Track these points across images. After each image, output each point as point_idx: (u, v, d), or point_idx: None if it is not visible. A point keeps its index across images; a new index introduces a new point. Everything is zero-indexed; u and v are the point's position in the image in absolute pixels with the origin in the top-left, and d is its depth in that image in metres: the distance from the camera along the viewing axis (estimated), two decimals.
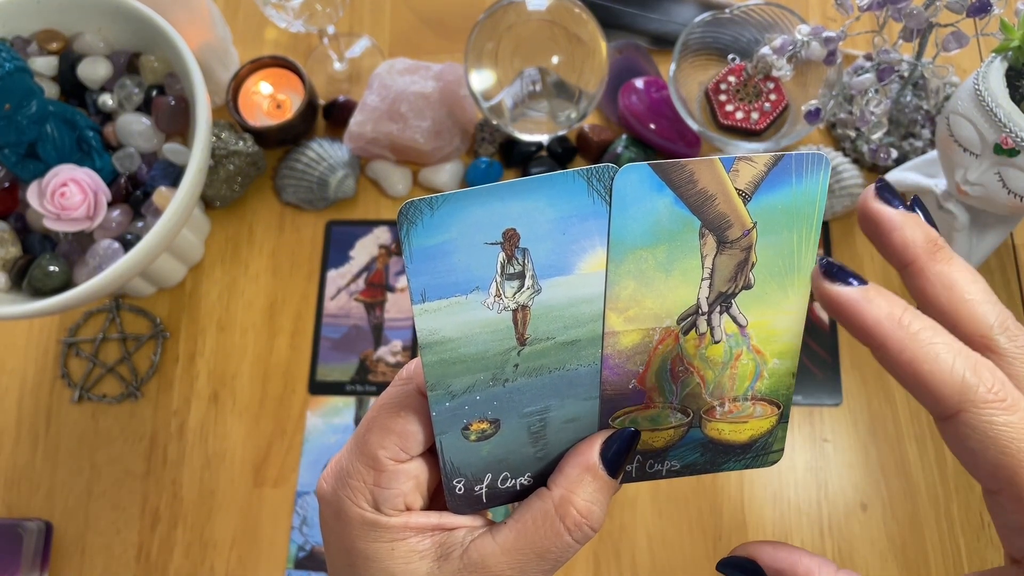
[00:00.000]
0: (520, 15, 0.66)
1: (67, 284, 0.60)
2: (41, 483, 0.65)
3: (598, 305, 0.34)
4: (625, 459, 0.33)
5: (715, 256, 0.35)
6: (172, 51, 0.62)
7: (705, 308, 0.36)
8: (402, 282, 0.69)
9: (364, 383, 0.66)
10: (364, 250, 0.70)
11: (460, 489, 0.33)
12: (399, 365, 0.66)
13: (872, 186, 0.29)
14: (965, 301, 0.28)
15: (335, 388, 0.66)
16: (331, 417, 0.65)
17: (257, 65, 0.73)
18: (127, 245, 0.60)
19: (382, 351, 0.67)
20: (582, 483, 0.31)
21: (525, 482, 0.35)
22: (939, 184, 0.62)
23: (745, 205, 0.34)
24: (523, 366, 0.34)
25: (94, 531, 0.63)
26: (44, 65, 0.64)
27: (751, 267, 0.35)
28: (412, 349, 0.66)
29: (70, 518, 0.64)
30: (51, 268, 0.59)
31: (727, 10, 0.68)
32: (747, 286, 0.36)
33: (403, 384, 0.31)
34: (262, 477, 0.64)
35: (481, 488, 0.34)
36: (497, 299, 0.33)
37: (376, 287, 0.69)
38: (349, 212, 0.72)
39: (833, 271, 0.28)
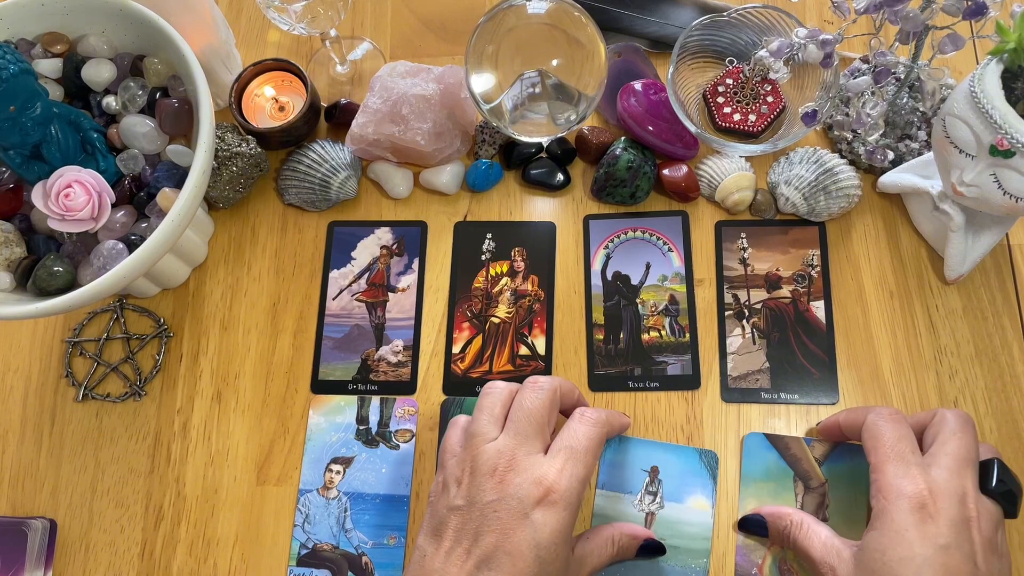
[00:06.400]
0: (520, 18, 0.67)
1: (71, 284, 0.61)
2: (45, 481, 0.65)
3: (695, 529, 0.58)
4: None
5: (803, 495, 0.59)
6: (175, 53, 0.63)
7: None
8: (403, 282, 0.69)
9: (366, 382, 0.66)
10: (366, 251, 0.70)
11: None
12: (400, 364, 0.66)
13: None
14: None
15: (337, 387, 0.66)
16: (333, 416, 0.65)
17: (260, 68, 0.73)
18: (131, 246, 0.60)
19: (383, 351, 0.67)
20: None
21: None
22: (935, 185, 0.63)
23: (820, 467, 0.60)
24: None
25: (98, 529, 0.64)
26: (48, 67, 0.65)
27: (826, 507, 0.59)
28: (413, 349, 0.67)
29: (74, 516, 0.64)
30: (55, 268, 0.60)
31: (725, 13, 0.69)
32: (824, 518, 0.58)
33: None
34: (265, 475, 0.64)
35: None
36: (639, 502, 0.60)
37: (378, 287, 0.69)
38: (351, 213, 0.72)
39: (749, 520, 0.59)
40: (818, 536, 0.53)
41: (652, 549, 0.56)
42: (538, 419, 0.52)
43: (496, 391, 0.55)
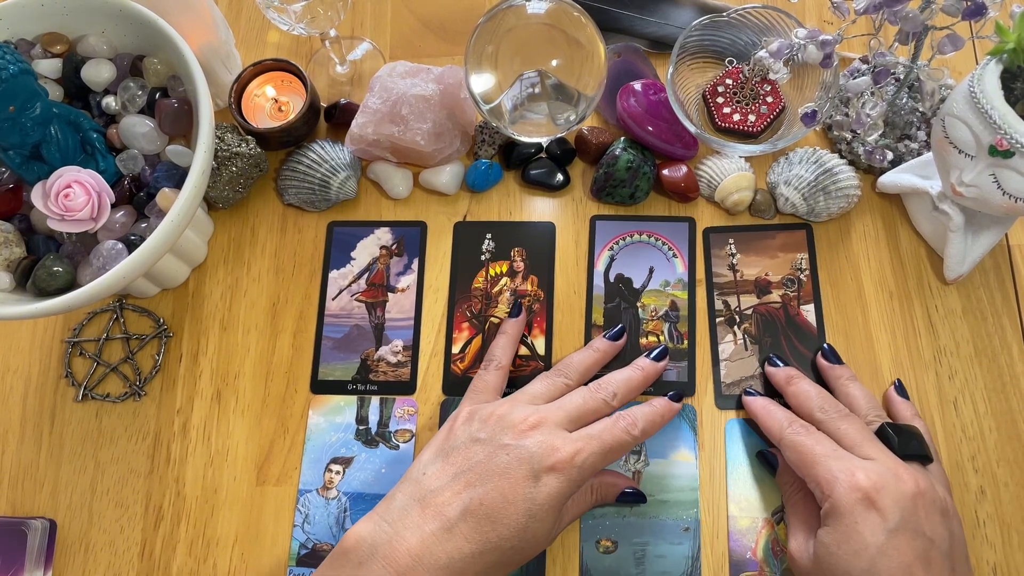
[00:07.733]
0: (520, 18, 0.67)
1: (71, 285, 0.61)
2: (45, 481, 0.65)
3: (682, 481, 0.60)
4: None
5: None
6: (175, 54, 0.63)
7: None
8: (403, 283, 0.69)
9: (366, 382, 0.66)
10: (365, 251, 0.70)
11: None
12: (400, 364, 0.66)
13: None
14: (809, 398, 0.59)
15: (337, 387, 0.66)
16: (333, 416, 0.65)
17: (259, 68, 0.73)
18: (131, 246, 0.60)
19: (383, 351, 0.67)
20: None
21: None
22: (934, 186, 0.63)
23: None
24: (634, 509, 0.60)
25: (98, 529, 0.64)
26: (48, 67, 0.65)
27: None
28: (413, 349, 0.67)
29: (74, 516, 0.64)
30: (55, 269, 0.60)
31: (725, 13, 0.69)
32: None
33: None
34: (264, 475, 0.64)
35: None
36: (625, 463, 0.61)
37: (377, 287, 0.69)
38: (351, 213, 0.72)
39: (752, 393, 0.62)
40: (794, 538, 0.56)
41: (632, 496, 0.59)
42: (581, 415, 0.56)
43: (570, 376, 0.60)
